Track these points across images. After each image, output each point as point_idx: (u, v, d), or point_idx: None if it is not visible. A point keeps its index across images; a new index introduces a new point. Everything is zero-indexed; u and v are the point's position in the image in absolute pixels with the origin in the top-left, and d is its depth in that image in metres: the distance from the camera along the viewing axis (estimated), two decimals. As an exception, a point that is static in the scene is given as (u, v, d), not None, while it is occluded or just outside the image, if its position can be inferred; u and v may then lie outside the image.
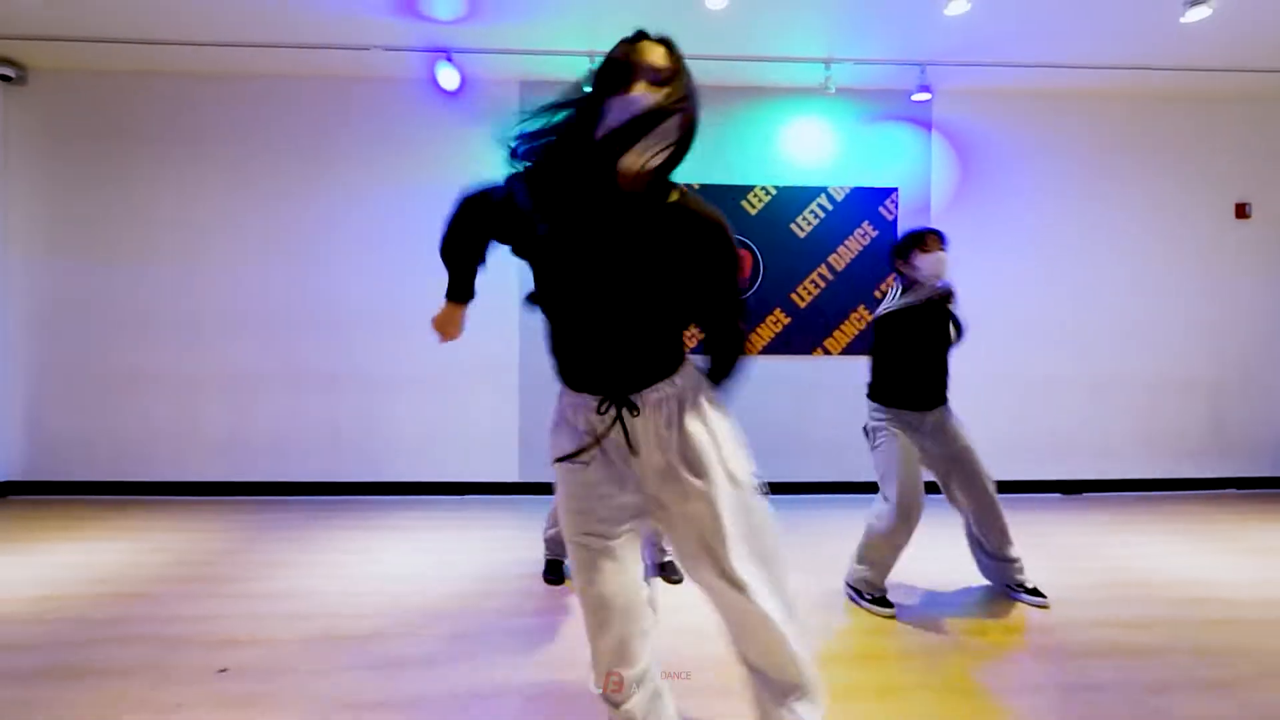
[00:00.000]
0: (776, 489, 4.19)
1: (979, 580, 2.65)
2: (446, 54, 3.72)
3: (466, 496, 4.08)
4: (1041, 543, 3.21)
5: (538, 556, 2.85)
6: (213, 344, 4.04)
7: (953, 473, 2.40)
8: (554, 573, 2.61)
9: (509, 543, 3.12)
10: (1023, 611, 2.33)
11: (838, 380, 4.23)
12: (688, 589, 2.58)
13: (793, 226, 4.20)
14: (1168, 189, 4.34)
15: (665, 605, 2.40)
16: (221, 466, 4.03)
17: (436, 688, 1.79)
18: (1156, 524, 3.55)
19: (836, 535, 3.31)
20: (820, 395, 4.23)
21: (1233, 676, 1.87)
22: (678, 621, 2.21)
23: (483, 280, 1.46)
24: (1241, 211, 4.36)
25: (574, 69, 3.83)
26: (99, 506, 3.77)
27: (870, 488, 4.18)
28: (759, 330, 4.19)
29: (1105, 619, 2.27)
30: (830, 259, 4.21)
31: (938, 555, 3.00)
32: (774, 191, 4.19)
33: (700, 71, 4.10)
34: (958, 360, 4.25)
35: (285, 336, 4.06)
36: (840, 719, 1.66)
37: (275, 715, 1.65)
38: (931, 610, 2.35)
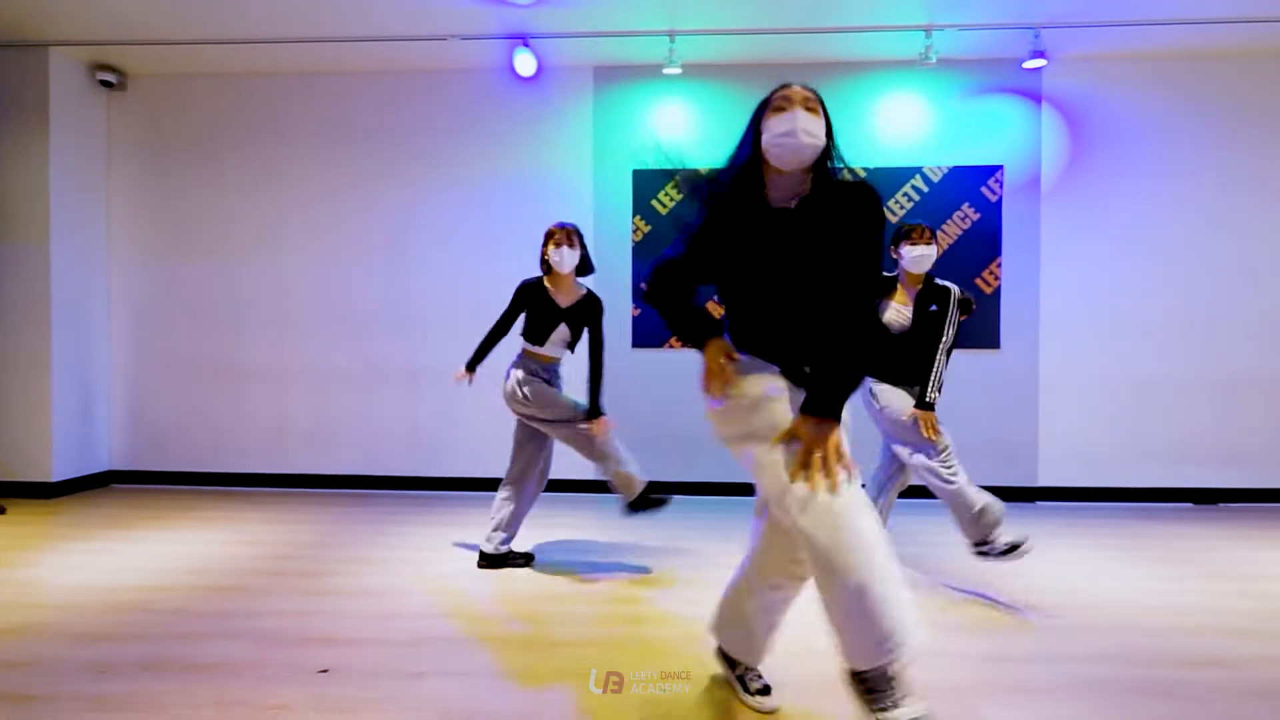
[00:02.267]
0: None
1: (1121, 598, 2.36)
2: (524, 39, 3.64)
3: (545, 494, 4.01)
4: (1183, 557, 2.85)
5: (618, 556, 2.74)
6: (302, 339, 4.11)
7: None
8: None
9: (588, 542, 3.02)
10: (1215, 645, 2.03)
11: (933, 376, 3.92)
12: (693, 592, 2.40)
13: (884, 211, 3.91)
14: (1323, 159, 3.81)
15: (668, 611, 2.22)
16: (308, 459, 4.10)
17: (532, 700, 1.68)
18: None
19: (922, 544, 3.05)
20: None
21: None
22: (681, 627, 2.03)
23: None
24: None
25: (652, 51, 3.68)
26: (194, 496, 3.89)
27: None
28: (847, 322, 3.93)
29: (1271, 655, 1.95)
30: (926, 245, 3.90)
31: (1067, 569, 2.70)
32: (863, 174, 3.92)
33: (786, 47, 3.97)
34: (1076, 357, 3.90)
35: (368, 332, 4.09)
36: None
37: (372, 713, 1.58)
38: (1067, 632, 2.08)
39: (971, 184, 3.89)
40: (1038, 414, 3.90)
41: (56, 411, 3.79)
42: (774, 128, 1.37)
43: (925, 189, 3.90)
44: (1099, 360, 3.88)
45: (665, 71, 3.66)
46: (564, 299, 2.61)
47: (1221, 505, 3.83)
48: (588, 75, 4.02)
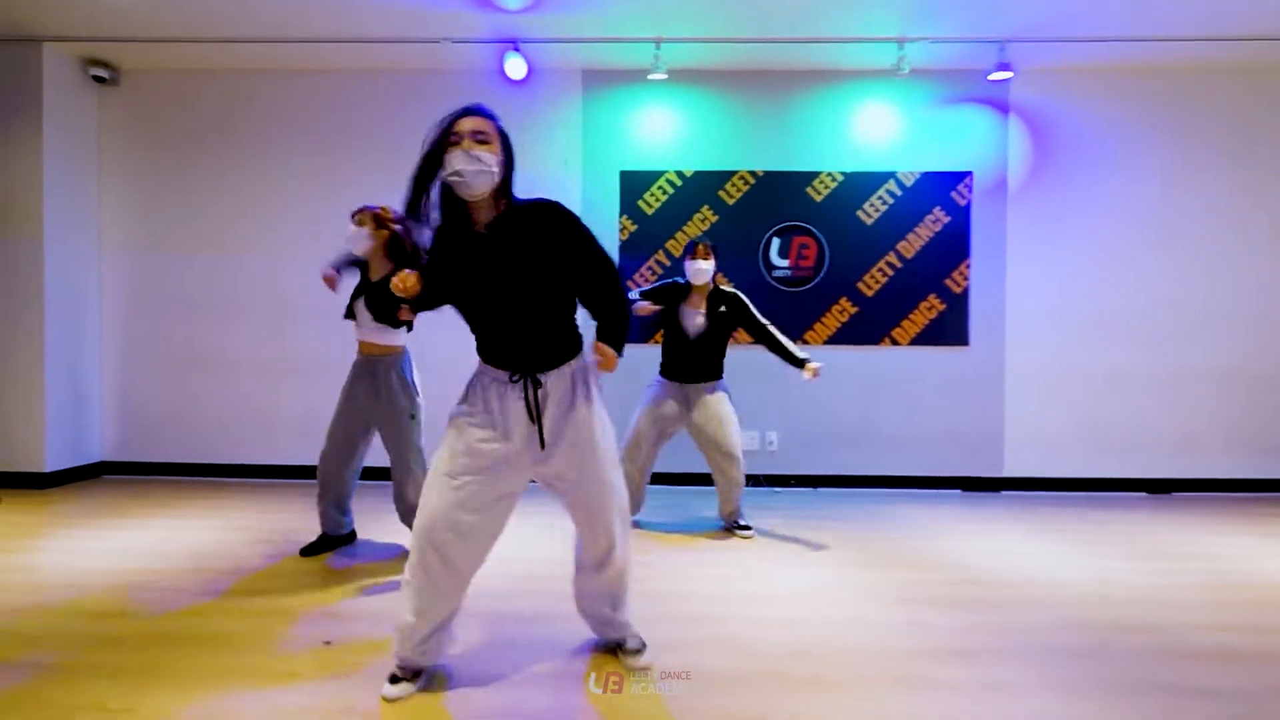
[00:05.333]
0: (840, 482, 4.12)
1: (1075, 576, 2.55)
2: (514, 44, 3.75)
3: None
4: (1133, 541, 3.06)
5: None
6: (291, 329, 4.19)
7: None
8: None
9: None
10: (1132, 610, 2.22)
11: (906, 372, 4.12)
12: (695, 588, 2.55)
13: (860, 213, 4.09)
14: (1270, 172, 4.05)
15: (661, 599, 2.37)
16: (298, 449, 4.18)
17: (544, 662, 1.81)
18: (1250, 526, 3.34)
19: (898, 531, 3.23)
20: (887, 388, 4.12)
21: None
22: (676, 610, 2.18)
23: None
24: (1353, 193, 4.04)
25: (639, 56, 3.81)
26: (185, 487, 3.96)
27: (940, 483, 4.07)
28: (824, 320, 4.10)
29: (1214, 622, 2.15)
30: (899, 246, 4.09)
31: (1028, 551, 2.89)
32: (840, 178, 4.09)
33: (768, 55, 4.17)
34: (1040, 353, 4.09)
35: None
36: (941, 713, 1.61)
37: (379, 680, 1.70)
38: (1027, 606, 2.26)
39: (942, 189, 4.08)
40: (1004, 407, 4.10)
41: (50, 403, 3.84)
42: (446, 164, 1.49)
43: (899, 193, 4.09)
44: (1060, 356, 4.09)
45: (651, 77, 3.80)
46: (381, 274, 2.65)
47: (1175, 495, 4.06)
48: (576, 78, 4.14)
